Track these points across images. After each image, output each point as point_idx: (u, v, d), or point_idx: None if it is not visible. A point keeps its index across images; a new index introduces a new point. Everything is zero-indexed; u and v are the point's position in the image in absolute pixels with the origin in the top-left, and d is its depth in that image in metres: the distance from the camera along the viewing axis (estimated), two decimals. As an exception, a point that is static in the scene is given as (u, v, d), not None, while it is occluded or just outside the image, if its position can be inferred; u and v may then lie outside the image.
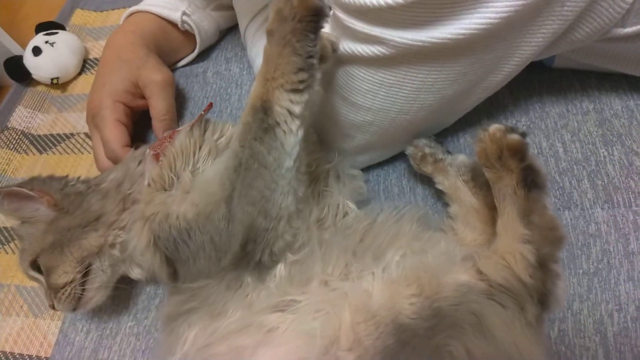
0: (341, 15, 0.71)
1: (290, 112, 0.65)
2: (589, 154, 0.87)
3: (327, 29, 0.78)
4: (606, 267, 0.78)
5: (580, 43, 0.75)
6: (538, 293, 0.64)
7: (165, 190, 0.78)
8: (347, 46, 0.73)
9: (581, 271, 0.79)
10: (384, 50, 0.69)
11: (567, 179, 0.86)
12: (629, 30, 0.74)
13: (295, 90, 0.65)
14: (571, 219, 0.83)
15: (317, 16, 0.63)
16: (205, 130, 0.84)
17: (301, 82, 0.64)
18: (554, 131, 0.91)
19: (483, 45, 0.68)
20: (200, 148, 0.81)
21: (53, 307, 0.84)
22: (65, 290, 0.82)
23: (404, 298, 0.62)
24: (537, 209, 0.65)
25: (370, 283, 0.67)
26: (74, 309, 0.84)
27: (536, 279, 0.63)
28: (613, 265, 0.78)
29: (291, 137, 0.66)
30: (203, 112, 0.88)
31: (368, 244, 0.76)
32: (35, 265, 0.84)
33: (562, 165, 0.87)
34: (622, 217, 0.81)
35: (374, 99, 0.76)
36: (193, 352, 0.70)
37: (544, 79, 0.96)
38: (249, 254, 0.71)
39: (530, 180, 0.65)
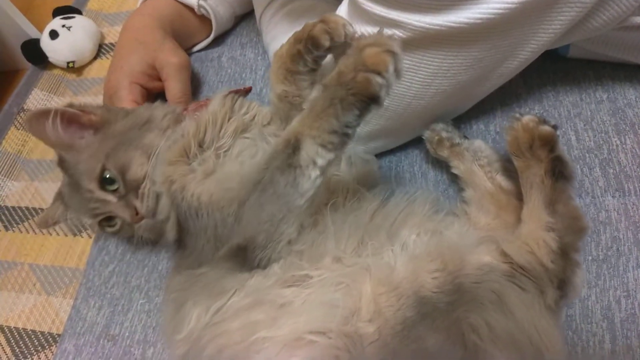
0: None
1: (314, 162, 0.65)
2: (601, 142, 0.87)
3: (343, 12, 0.79)
4: (615, 255, 0.79)
5: (597, 31, 0.75)
6: (558, 279, 0.66)
7: (189, 158, 0.80)
8: (365, 29, 0.73)
9: (590, 258, 0.79)
10: (400, 34, 0.69)
11: (579, 166, 0.86)
12: None
13: (324, 147, 0.65)
14: (582, 206, 0.83)
15: (371, 100, 0.61)
16: (234, 104, 0.86)
17: (331, 143, 0.64)
18: (567, 119, 0.91)
19: (500, 31, 0.68)
20: (229, 120, 0.84)
21: (135, 216, 0.82)
22: (146, 184, 0.81)
23: (427, 272, 0.64)
24: (562, 198, 0.67)
25: (392, 258, 0.69)
26: (154, 213, 0.82)
27: (557, 265, 0.65)
28: (622, 253, 0.79)
29: (308, 182, 0.66)
30: (242, 89, 0.91)
31: (379, 224, 0.77)
32: (102, 183, 0.82)
33: (575, 153, 0.88)
34: (632, 206, 0.81)
35: None
36: (199, 330, 0.71)
37: (558, 68, 0.96)
38: (247, 259, 0.73)
39: (558, 171, 0.67)
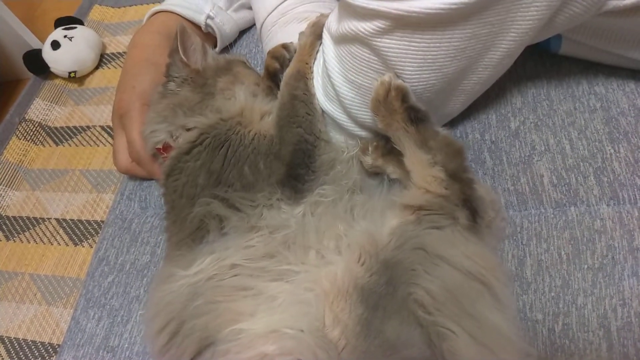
0: None
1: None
2: (595, 151, 0.87)
3: (334, 13, 0.83)
4: (611, 263, 0.79)
5: (580, 18, 0.75)
6: (461, 199, 0.72)
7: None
8: (351, 25, 0.74)
9: (586, 266, 0.79)
10: (382, 24, 0.70)
11: (573, 175, 0.86)
12: (627, 2, 0.73)
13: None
14: (577, 215, 0.83)
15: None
16: None
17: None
18: (562, 128, 0.91)
19: (476, 18, 0.69)
20: None
21: None
22: None
23: (355, 263, 0.68)
24: (430, 135, 0.75)
25: (336, 260, 0.72)
26: None
27: (453, 189, 0.72)
28: (617, 261, 0.78)
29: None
30: None
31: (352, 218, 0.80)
32: None
33: (569, 162, 0.88)
34: (627, 214, 0.81)
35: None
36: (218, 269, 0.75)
37: (552, 77, 0.96)
38: (293, 174, 0.81)
39: (414, 116, 0.75)
